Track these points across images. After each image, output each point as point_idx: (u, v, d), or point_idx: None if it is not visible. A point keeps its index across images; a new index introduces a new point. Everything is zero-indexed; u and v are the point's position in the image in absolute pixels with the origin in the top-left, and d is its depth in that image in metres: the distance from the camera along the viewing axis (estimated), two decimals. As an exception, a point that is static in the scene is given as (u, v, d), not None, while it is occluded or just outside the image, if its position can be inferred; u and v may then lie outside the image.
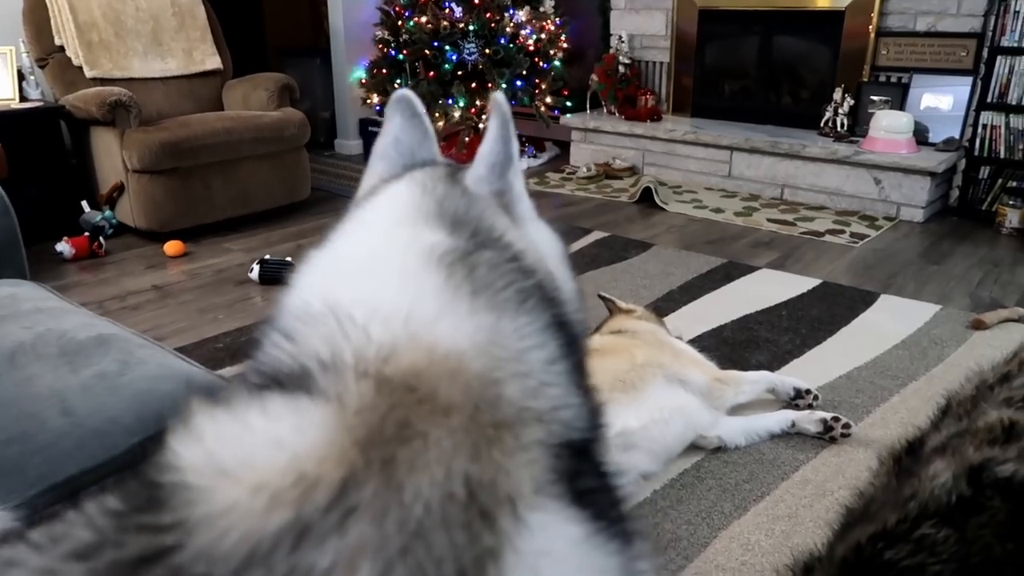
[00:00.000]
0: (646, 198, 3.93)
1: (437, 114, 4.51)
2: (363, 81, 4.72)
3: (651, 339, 1.92)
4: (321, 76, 5.28)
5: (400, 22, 4.50)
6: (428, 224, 0.52)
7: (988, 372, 0.90)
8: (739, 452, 1.78)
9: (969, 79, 3.70)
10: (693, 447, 1.77)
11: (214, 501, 0.33)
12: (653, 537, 1.51)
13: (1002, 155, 3.55)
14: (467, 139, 4.63)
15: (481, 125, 4.59)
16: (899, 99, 3.88)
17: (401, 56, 4.51)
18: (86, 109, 3.28)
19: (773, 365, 2.18)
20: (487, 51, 4.43)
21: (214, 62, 3.95)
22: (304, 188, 3.88)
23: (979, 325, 2.42)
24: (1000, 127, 3.53)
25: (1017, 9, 3.39)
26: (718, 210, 3.83)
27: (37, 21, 3.51)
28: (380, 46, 4.63)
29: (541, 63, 4.62)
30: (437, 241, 0.50)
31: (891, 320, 2.50)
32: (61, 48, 3.55)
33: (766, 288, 2.78)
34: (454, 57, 4.43)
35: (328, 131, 5.38)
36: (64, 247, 3.13)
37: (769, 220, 3.66)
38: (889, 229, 3.54)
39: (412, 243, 0.50)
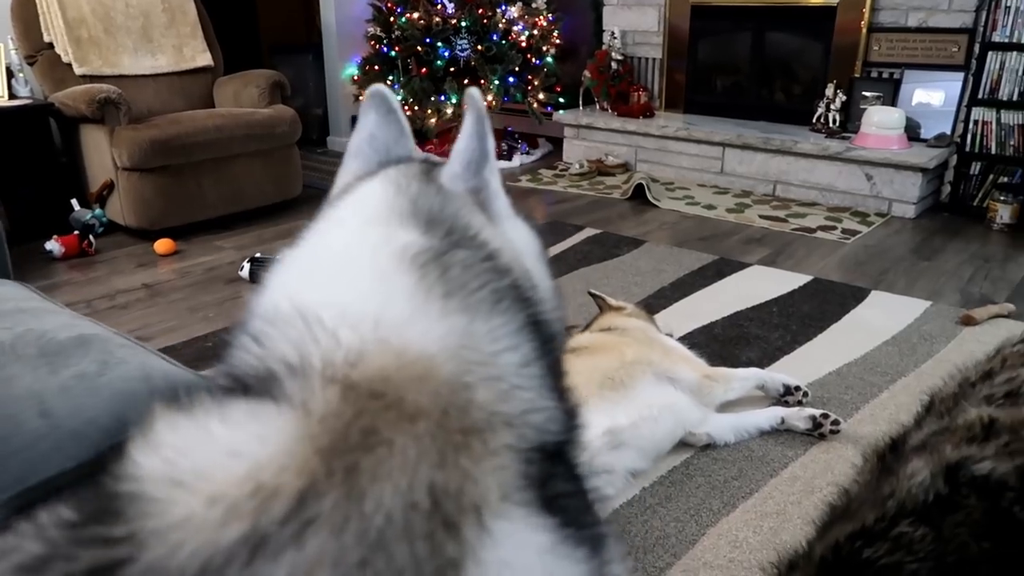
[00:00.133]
0: (638, 195, 3.93)
1: (429, 111, 4.50)
2: (355, 78, 4.71)
3: (641, 336, 1.92)
4: (313, 72, 5.27)
5: (392, 18, 4.49)
6: (401, 223, 0.51)
7: (971, 369, 0.90)
8: (728, 449, 1.78)
9: (960, 75, 3.70)
10: (682, 444, 1.77)
11: (169, 513, 0.32)
12: (641, 535, 1.51)
13: (993, 151, 3.56)
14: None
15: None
16: (891, 95, 3.88)
17: (393, 52, 4.49)
18: (75, 107, 3.27)
19: (763, 362, 2.19)
20: (479, 47, 4.42)
21: (205, 59, 3.93)
22: (296, 185, 3.86)
23: (968, 321, 2.42)
24: (991, 123, 3.54)
25: (1008, 4, 3.39)
26: (710, 207, 3.83)
27: (26, 17, 3.48)
28: (372, 42, 4.62)
29: (534, 59, 4.61)
30: (410, 241, 0.49)
31: (881, 316, 2.51)
32: (50, 45, 3.52)
33: (757, 285, 2.79)
34: (446, 53, 4.42)
35: (321, 128, 5.36)
36: (54, 246, 3.11)
37: (761, 217, 3.67)
38: (881, 225, 3.55)
39: (385, 243, 0.49)
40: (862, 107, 3.89)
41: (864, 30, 3.91)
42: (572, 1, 5.04)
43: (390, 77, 4.51)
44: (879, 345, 2.29)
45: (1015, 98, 3.45)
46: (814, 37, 4.20)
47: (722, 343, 2.32)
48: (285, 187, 3.80)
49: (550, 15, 4.71)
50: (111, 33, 3.64)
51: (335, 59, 4.99)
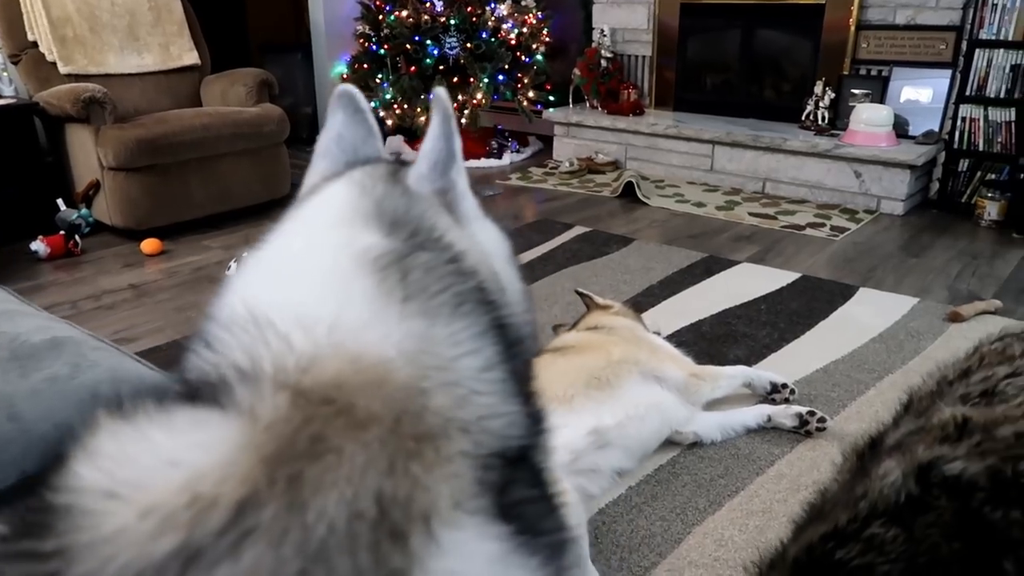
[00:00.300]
0: (628, 193, 3.93)
1: (419, 109, 4.49)
2: (345, 76, 4.69)
3: (628, 335, 1.91)
4: (303, 71, 5.25)
5: (381, 16, 4.47)
6: (365, 225, 0.50)
7: (949, 367, 0.90)
8: (715, 447, 1.78)
9: (948, 72, 3.71)
10: (669, 443, 1.77)
11: (102, 525, 0.31)
12: (627, 534, 1.50)
13: (981, 148, 3.57)
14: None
15: (464, 120, 4.57)
16: (879, 92, 3.89)
17: (382, 51, 4.48)
18: (60, 106, 3.24)
19: (751, 359, 2.19)
20: (469, 45, 4.40)
21: (191, 57, 3.91)
22: (284, 184, 3.84)
23: (956, 318, 2.43)
24: (979, 120, 3.55)
25: (995, 2, 3.40)
26: (700, 204, 3.83)
27: (10, 16, 3.45)
28: (361, 41, 4.60)
29: (523, 57, 4.60)
30: (372, 243, 0.48)
31: (869, 313, 2.51)
32: (35, 44, 3.50)
33: (746, 282, 2.79)
34: (435, 52, 4.41)
35: (310, 126, 5.34)
36: (39, 246, 3.09)
37: (750, 214, 3.67)
38: (869, 222, 3.56)
39: (345, 245, 0.48)
40: (851, 104, 3.89)
41: (852, 28, 3.92)
42: (562, -1, 5.04)
43: (379, 75, 4.49)
44: (867, 342, 2.30)
45: (1002, 95, 3.47)
46: (803, 35, 4.21)
47: (710, 341, 2.32)
48: (273, 186, 3.78)
49: (539, 13, 4.70)
50: (96, 32, 3.61)
51: (324, 58, 4.97)
